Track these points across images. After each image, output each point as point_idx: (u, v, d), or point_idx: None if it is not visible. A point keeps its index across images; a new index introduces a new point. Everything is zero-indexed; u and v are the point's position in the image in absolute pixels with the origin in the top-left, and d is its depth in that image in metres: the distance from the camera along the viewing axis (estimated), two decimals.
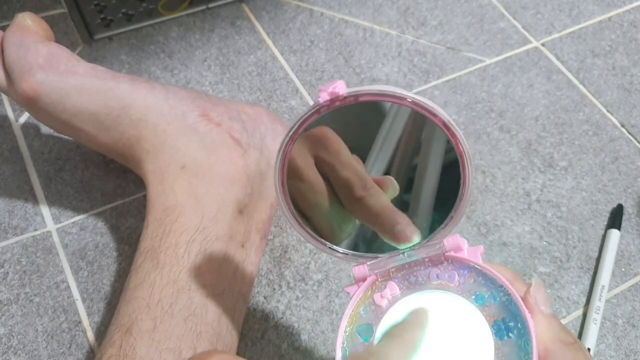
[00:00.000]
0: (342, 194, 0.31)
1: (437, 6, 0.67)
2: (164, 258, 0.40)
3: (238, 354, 0.43)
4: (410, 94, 0.28)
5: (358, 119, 0.30)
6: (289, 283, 0.47)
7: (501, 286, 0.29)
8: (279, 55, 0.62)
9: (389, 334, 0.28)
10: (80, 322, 0.45)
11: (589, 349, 0.44)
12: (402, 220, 0.31)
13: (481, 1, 0.68)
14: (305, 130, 0.29)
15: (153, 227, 0.42)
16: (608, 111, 0.59)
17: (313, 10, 0.66)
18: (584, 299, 0.47)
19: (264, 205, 0.46)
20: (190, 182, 0.43)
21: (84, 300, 0.46)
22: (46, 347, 0.44)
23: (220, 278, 0.40)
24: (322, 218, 0.31)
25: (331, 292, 0.47)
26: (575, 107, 0.59)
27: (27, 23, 0.45)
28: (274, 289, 0.47)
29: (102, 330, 0.44)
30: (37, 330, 0.44)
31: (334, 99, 0.28)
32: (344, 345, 0.29)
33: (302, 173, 0.30)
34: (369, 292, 0.31)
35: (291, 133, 0.29)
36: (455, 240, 0.30)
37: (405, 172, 0.31)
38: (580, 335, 0.46)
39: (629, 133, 0.57)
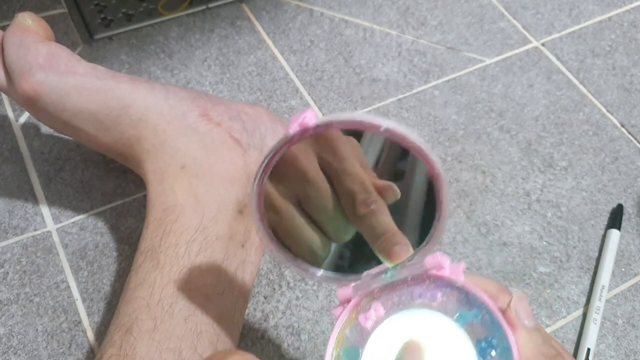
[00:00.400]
0: (345, 204, 0.31)
1: (437, 6, 0.67)
2: (164, 258, 0.40)
3: None
4: (381, 122, 0.27)
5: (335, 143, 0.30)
6: (289, 283, 0.47)
7: (482, 303, 0.29)
8: (279, 55, 0.62)
9: None
10: (80, 322, 0.45)
11: (589, 349, 0.45)
12: (402, 241, 0.31)
13: (481, 1, 0.68)
14: (278, 161, 0.29)
15: (153, 227, 0.42)
16: (608, 111, 0.59)
17: (313, 10, 0.66)
18: (584, 299, 0.47)
19: None
20: (190, 182, 0.43)
21: (84, 300, 0.46)
22: (46, 347, 0.44)
23: (220, 278, 0.40)
24: (301, 243, 0.31)
25: (331, 292, 0.47)
26: (575, 107, 0.59)
27: (27, 23, 0.45)
28: (274, 289, 0.47)
29: (102, 330, 0.44)
30: (37, 330, 0.44)
31: (304, 130, 0.27)
32: None
33: (278, 203, 0.30)
34: (354, 313, 0.30)
35: (264, 165, 0.29)
36: (436, 258, 0.30)
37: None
38: (580, 335, 0.46)
39: (629, 133, 0.57)
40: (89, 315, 0.45)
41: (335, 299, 0.46)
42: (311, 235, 0.31)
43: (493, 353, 0.28)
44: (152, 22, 0.63)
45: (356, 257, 0.32)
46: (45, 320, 0.45)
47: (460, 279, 0.30)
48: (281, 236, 0.31)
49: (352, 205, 0.30)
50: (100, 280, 0.47)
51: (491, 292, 0.29)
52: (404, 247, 0.31)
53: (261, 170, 0.29)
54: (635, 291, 0.48)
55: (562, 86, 0.61)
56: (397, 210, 0.31)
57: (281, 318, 0.45)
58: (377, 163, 0.31)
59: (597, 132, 0.57)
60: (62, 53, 0.44)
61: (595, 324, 0.45)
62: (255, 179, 0.29)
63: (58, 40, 0.47)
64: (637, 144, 0.57)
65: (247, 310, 0.45)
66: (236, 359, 0.24)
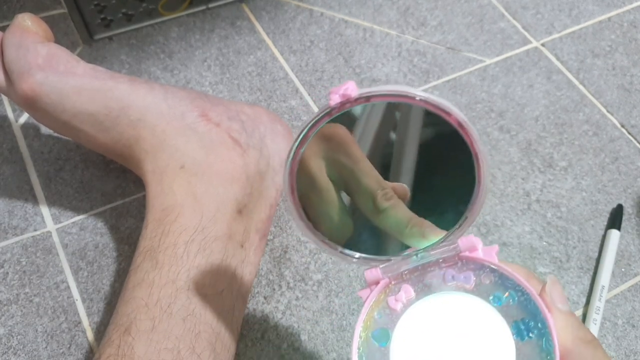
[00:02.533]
0: (363, 202, 0.31)
1: (437, 6, 0.67)
2: (163, 258, 0.40)
3: (238, 354, 0.43)
4: (423, 94, 0.27)
5: (369, 119, 0.30)
6: (289, 283, 0.47)
7: (518, 285, 0.29)
8: (278, 55, 0.62)
9: None
10: (80, 322, 0.45)
11: None
12: (429, 227, 0.31)
13: (481, 1, 0.67)
14: (315, 133, 0.28)
15: (152, 227, 0.42)
16: (608, 111, 0.59)
17: (313, 10, 0.66)
18: (583, 299, 0.47)
19: (264, 205, 0.46)
20: (189, 182, 0.43)
21: (83, 301, 0.46)
22: (46, 347, 0.44)
23: (219, 278, 0.41)
24: (331, 222, 0.31)
25: (331, 293, 0.47)
26: (575, 107, 0.59)
27: (27, 24, 0.45)
28: (274, 289, 0.47)
29: (102, 331, 0.44)
30: (36, 331, 0.44)
31: (345, 101, 0.27)
32: (360, 351, 0.29)
33: (313, 176, 0.30)
34: (382, 295, 0.30)
35: (301, 137, 0.28)
36: (470, 240, 0.30)
37: (420, 171, 0.31)
38: None
39: (629, 133, 0.57)
40: (88, 315, 0.45)
41: (335, 299, 0.46)
42: (339, 215, 0.31)
43: (531, 335, 0.27)
44: (152, 22, 0.63)
45: (384, 238, 0.32)
46: (45, 321, 0.45)
47: (495, 260, 0.29)
48: (309, 214, 0.30)
49: (372, 202, 0.31)
50: (100, 281, 0.47)
51: (522, 277, 0.29)
52: (433, 232, 0.31)
53: (296, 145, 0.28)
54: (635, 291, 0.48)
55: (562, 86, 0.60)
56: (431, 190, 0.31)
57: (281, 318, 0.45)
58: (413, 140, 0.30)
59: (597, 132, 0.57)
60: (62, 54, 0.45)
61: (595, 324, 0.45)
62: (289, 154, 0.29)
63: (58, 40, 0.47)
64: (637, 144, 0.57)
65: (247, 311, 0.45)
66: None
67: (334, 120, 0.28)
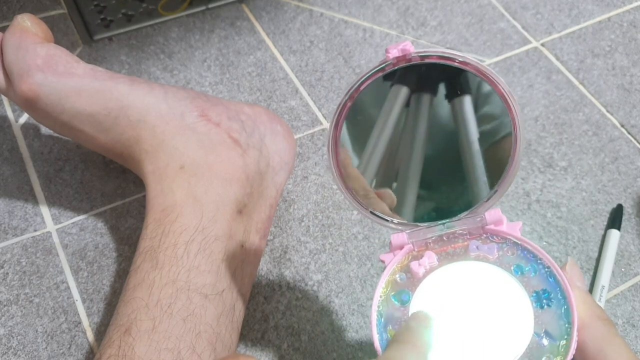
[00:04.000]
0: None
1: (436, 6, 0.67)
2: (163, 258, 0.40)
3: None
4: (472, 59, 0.28)
5: (404, 88, 0.30)
6: (289, 283, 0.47)
7: (540, 260, 0.30)
8: (278, 55, 0.62)
9: (396, 340, 0.28)
10: (80, 322, 0.45)
11: None
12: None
13: (481, 1, 0.68)
14: (364, 89, 0.29)
15: (152, 227, 0.42)
16: (608, 111, 0.59)
17: (313, 10, 0.66)
18: None
19: (264, 205, 0.46)
20: (189, 182, 0.43)
21: (83, 301, 0.46)
22: (46, 347, 0.44)
23: (219, 278, 0.41)
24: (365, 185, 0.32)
25: (331, 293, 0.47)
26: (575, 107, 0.59)
27: (27, 24, 0.45)
28: (274, 289, 0.47)
29: (102, 331, 0.44)
30: (37, 331, 0.44)
31: (402, 57, 0.28)
32: (379, 309, 0.30)
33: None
34: (405, 260, 0.31)
35: (351, 91, 0.29)
36: (497, 213, 0.31)
37: (455, 140, 0.32)
38: None
39: (629, 133, 0.57)
40: (88, 315, 0.45)
41: (335, 299, 0.47)
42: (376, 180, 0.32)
43: (550, 304, 0.29)
44: (151, 22, 0.63)
45: (414, 205, 0.33)
46: (45, 321, 0.45)
47: (519, 235, 0.31)
48: (345, 174, 0.31)
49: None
50: (100, 281, 0.47)
51: None
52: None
53: (345, 99, 0.29)
54: (635, 291, 0.48)
55: (562, 86, 0.60)
56: (462, 161, 0.32)
57: (281, 318, 0.45)
58: (448, 109, 0.31)
59: (597, 132, 0.57)
60: (61, 54, 0.45)
61: None
62: (338, 107, 0.29)
63: (58, 41, 0.47)
64: (637, 144, 0.57)
65: (247, 311, 0.45)
66: None
67: (386, 77, 0.28)
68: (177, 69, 0.60)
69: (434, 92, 0.31)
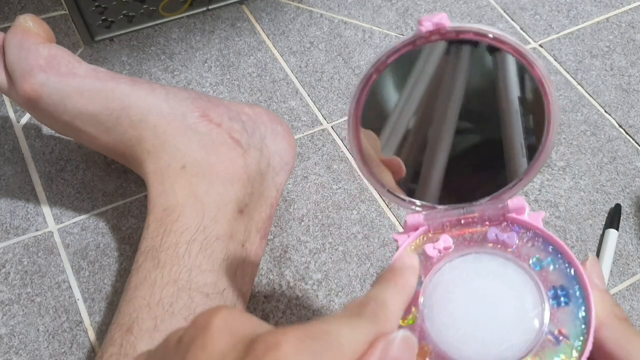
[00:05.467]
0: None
1: (435, 7, 0.67)
2: (165, 257, 0.40)
3: None
4: (511, 39, 0.26)
5: (431, 63, 0.28)
6: (289, 283, 0.47)
7: (560, 253, 0.29)
8: (278, 56, 0.62)
9: (379, 280, 0.27)
10: (81, 321, 0.45)
11: None
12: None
13: (480, 2, 0.68)
14: (393, 62, 0.27)
15: (154, 226, 0.42)
16: (606, 111, 0.59)
17: (313, 11, 0.66)
18: None
19: (264, 205, 0.46)
20: (190, 182, 0.43)
21: (85, 300, 0.46)
22: (47, 346, 0.44)
23: (220, 277, 0.41)
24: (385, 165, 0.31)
25: (331, 292, 0.47)
26: (573, 108, 0.59)
27: (28, 25, 0.45)
28: (274, 289, 0.47)
29: (104, 330, 0.45)
30: (38, 330, 0.45)
31: (436, 30, 0.26)
32: None
33: (378, 109, 0.29)
34: (419, 242, 0.30)
35: (378, 63, 0.27)
36: (520, 201, 0.29)
37: (485, 123, 0.30)
38: None
39: (627, 133, 0.58)
40: (90, 315, 0.45)
41: (335, 299, 0.47)
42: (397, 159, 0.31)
43: (567, 302, 0.27)
44: (152, 23, 0.64)
45: (433, 186, 0.31)
46: (47, 320, 0.45)
47: (540, 225, 0.29)
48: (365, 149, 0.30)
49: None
50: (101, 280, 0.47)
51: None
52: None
53: (372, 69, 0.27)
54: (633, 290, 0.48)
55: (560, 86, 0.61)
56: (490, 145, 0.30)
57: (281, 318, 0.46)
58: (487, 86, 0.29)
59: (595, 132, 0.58)
60: (63, 55, 0.45)
61: None
62: (363, 78, 0.27)
63: (59, 42, 0.47)
64: (635, 144, 0.57)
65: (247, 310, 0.45)
66: (223, 314, 0.24)
67: (414, 53, 0.26)
68: (178, 70, 0.60)
69: (465, 72, 0.29)
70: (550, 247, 0.29)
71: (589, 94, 0.60)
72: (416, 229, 0.30)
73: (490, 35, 0.26)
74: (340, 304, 0.46)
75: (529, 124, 0.29)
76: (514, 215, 0.30)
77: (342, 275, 0.48)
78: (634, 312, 0.47)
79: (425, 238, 0.30)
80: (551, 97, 0.27)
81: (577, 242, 0.51)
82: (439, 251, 0.29)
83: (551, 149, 0.29)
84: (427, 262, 0.29)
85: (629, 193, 0.54)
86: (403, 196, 0.31)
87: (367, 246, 0.49)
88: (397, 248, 0.30)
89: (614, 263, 0.49)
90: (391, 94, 0.29)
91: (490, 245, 0.29)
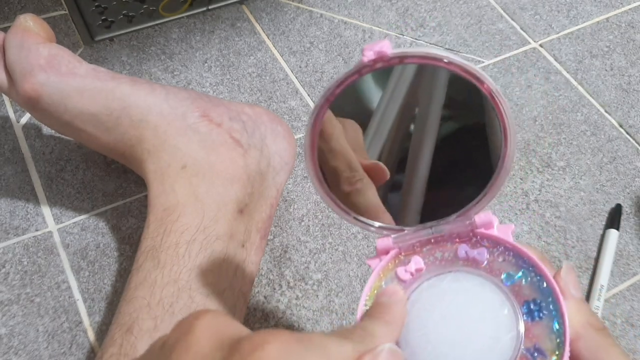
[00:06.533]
0: (331, 182, 0.30)
1: (435, 7, 0.67)
2: (165, 257, 0.40)
3: None
4: (458, 59, 0.26)
5: (387, 84, 0.29)
6: (289, 283, 0.47)
7: (532, 266, 0.28)
8: (278, 56, 0.62)
9: (368, 316, 0.27)
10: (81, 322, 0.45)
11: None
12: (386, 219, 0.31)
13: (480, 2, 0.68)
14: (341, 92, 0.27)
15: (154, 226, 0.42)
16: (606, 111, 0.59)
17: (313, 11, 0.66)
18: None
19: (264, 205, 0.46)
20: (190, 181, 0.43)
21: (84, 300, 0.46)
22: (47, 347, 0.44)
23: (220, 277, 0.41)
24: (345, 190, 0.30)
25: (331, 292, 0.47)
26: (573, 108, 0.59)
27: (29, 24, 0.45)
28: (274, 289, 0.47)
29: (103, 330, 0.45)
30: (38, 331, 0.44)
31: (379, 59, 0.26)
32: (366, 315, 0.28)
33: (331, 138, 0.29)
34: (392, 265, 0.30)
35: (327, 94, 0.27)
36: (487, 216, 0.29)
37: (442, 141, 0.30)
38: None
39: (627, 133, 0.58)
40: (89, 315, 0.45)
41: (335, 299, 0.47)
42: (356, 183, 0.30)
43: (541, 316, 0.27)
44: (152, 23, 0.64)
45: (399, 209, 0.31)
46: (46, 321, 0.45)
47: (510, 239, 0.29)
48: (327, 178, 0.30)
49: (337, 183, 0.30)
50: (101, 280, 0.47)
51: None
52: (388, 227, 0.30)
53: (322, 100, 0.27)
54: (634, 291, 0.48)
55: (560, 87, 0.61)
56: (450, 161, 0.30)
57: (281, 318, 0.46)
58: (435, 108, 0.29)
59: (595, 132, 0.58)
60: (63, 54, 0.45)
61: None
62: (314, 111, 0.27)
63: (59, 41, 0.47)
64: (635, 144, 0.57)
65: (247, 310, 0.45)
66: (207, 317, 0.24)
67: (362, 79, 0.26)
68: (178, 70, 0.60)
69: (417, 92, 0.29)
70: (521, 260, 0.29)
71: (589, 94, 0.60)
72: (387, 252, 0.30)
73: (435, 58, 0.26)
74: (340, 304, 0.46)
75: (488, 139, 0.29)
76: (482, 230, 0.29)
77: (342, 275, 0.48)
78: (635, 312, 0.47)
79: (397, 261, 0.30)
80: (504, 111, 0.27)
81: (577, 242, 0.51)
82: (411, 274, 0.29)
83: (512, 161, 0.29)
84: (400, 286, 0.29)
85: (629, 193, 0.54)
86: (369, 221, 0.31)
87: (367, 246, 0.49)
88: (372, 272, 0.30)
89: (614, 263, 0.49)
90: (357, 116, 0.29)
91: (462, 262, 0.29)
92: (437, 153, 0.30)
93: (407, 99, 0.29)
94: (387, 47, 0.26)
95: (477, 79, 0.27)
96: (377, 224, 0.31)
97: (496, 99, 0.27)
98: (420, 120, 0.30)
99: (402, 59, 0.26)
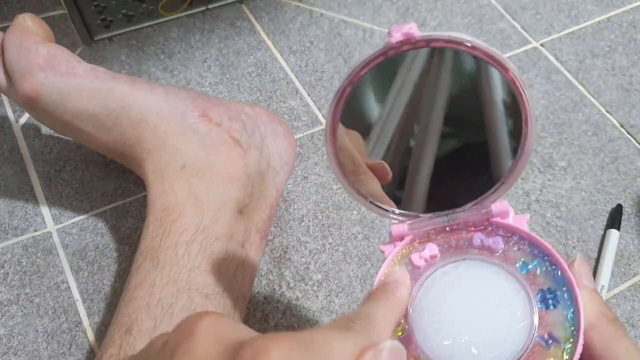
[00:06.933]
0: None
1: (436, 7, 0.67)
2: (164, 258, 0.40)
3: None
4: (482, 44, 0.26)
5: (413, 68, 0.28)
6: (289, 283, 0.47)
7: (547, 255, 0.28)
8: (278, 55, 0.62)
9: (371, 297, 0.27)
10: (80, 322, 0.45)
11: None
12: (388, 202, 0.31)
13: (481, 1, 0.68)
14: (367, 73, 0.27)
15: (153, 227, 0.42)
16: (607, 111, 0.59)
17: (313, 10, 0.66)
18: None
19: (264, 205, 0.46)
20: (190, 182, 0.43)
21: (84, 301, 0.46)
22: (46, 347, 0.44)
23: (220, 278, 0.41)
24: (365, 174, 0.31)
25: (331, 292, 0.47)
26: (574, 108, 0.59)
27: (28, 24, 0.45)
28: (274, 289, 0.47)
29: (103, 331, 0.44)
30: (37, 331, 0.44)
31: (406, 40, 0.26)
32: None
33: (354, 122, 0.29)
34: (406, 251, 0.30)
35: (351, 76, 0.27)
36: (504, 205, 0.29)
37: (462, 129, 0.30)
38: None
39: (628, 133, 0.58)
40: (89, 315, 0.45)
41: (335, 299, 0.47)
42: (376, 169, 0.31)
43: (556, 304, 0.27)
44: (152, 23, 0.63)
45: (416, 195, 0.31)
46: (46, 321, 0.45)
47: (525, 228, 0.29)
48: (345, 161, 0.30)
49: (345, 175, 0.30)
50: (100, 281, 0.47)
51: None
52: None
53: (346, 81, 0.27)
54: (634, 291, 0.48)
55: (562, 86, 0.61)
56: (469, 150, 0.30)
57: (281, 318, 0.45)
58: (464, 92, 0.29)
59: (597, 132, 0.57)
60: (62, 54, 0.45)
61: None
62: (337, 92, 0.27)
63: (58, 41, 0.47)
64: (636, 144, 0.57)
65: (247, 311, 0.45)
66: (209, 319, 0.23)
67: (386, 62, 0.26)
68: (178, 69, 0.60)
69: (439, 78, 0.29)
70: (536, 249, 0.29)
71: (590, 93, 0.60)
72: (401, 238, 0.30)
73: (461, 42, 0.27)
74: (340, 304, 0.46)
75: (508, 127, 0.29)
76: (498, 219, 0.30)
77: (343, 275, 0.48)
78: (635, 312, 0.47)
79: (411, 247, 0.30)
80: (526, 99, 0.27)
81: (578, 242, 0.50)
82: (425, 260, 0.29)
83: (531, 150, 0.29)
84: (414, 272, 0.29)
85: (630, 193, 0.53)
86: (386, 207, 0.31)
87: (368, 247, 0.49)
88: (386, 258, 0.30)
89: (615, 263, 0.49)
90: (373, 102, 0.29)
91: (476, 251, 0.29)
92: (455, 141, 0.30)
93: (423, 86, 0.29)
94: (415, 29, 0.26)
95: (502, 65, 0.27)
96: (396, 210, 0.30)
97: (520, 86, 0.27)
98: (438, 107, 0.30)
99: (429, 41, 0.26)
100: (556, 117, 0.58)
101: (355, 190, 0.30)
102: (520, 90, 0.27)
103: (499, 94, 0.28)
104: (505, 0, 0.68)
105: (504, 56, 0.27)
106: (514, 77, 0.27)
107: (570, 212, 0.52)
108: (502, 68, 0.27)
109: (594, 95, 0.60)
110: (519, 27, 0.66)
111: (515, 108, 0.28)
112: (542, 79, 0.61)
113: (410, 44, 0.26)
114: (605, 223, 0.52)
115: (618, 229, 0.50)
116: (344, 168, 0.30)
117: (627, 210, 0.52)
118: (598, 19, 0.67)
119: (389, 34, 0.26)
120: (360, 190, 0.30)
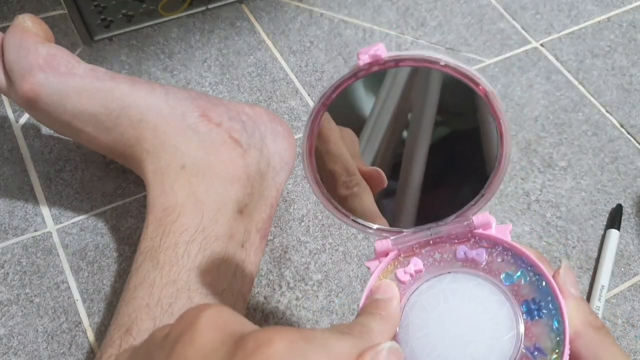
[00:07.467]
0: (328, 185, 0.30)
1: (436, 7, 0.67)
2: (164, 258, 0.40)
3: None
4: (453, 61, 0.27)
5: (382, 87, 0.29)
6: (289, 283, 0.47)
7: (531, 266, 0.28)
8: (278, 55, 0.62)
9: (363, 312, 0.27)
10: (80, 322, 0.45)
11: None
12: (382, 224, 0.31)
13: (481, 1, 0.68)
14: (338, 96, 0.27)
15: (153, 227, 0.42)
16: (607, 111, 0.59)
17: (313, 11, 0.66)
18: None
19: (264, 205, 0.46)
20: (190, 182, 0.43)
21: (84, 301, 0.46)
22: (46, 347, 0.44)
23: (219, 278, 0.41)
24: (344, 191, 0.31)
25: (331, 293, 0.47)
26: (574, 108, 0.59)
27: (27, 24, 0.45)
28: (274, 289, 0.47)
29: (103, 331, 0.44)
30: (37, 331, 0.44)
31: (374, 62, 0.26)
32: None
33: (329, 141, 0.29)
34: (391, 267, 0.30)
35: (323, 98, 0.27)
36: (485, 217, 0.30)
37: (439, 143, 0.30)
38: None
39: (628, 133, 0.58)
40: (89, 315, 0.45)
41: (335, 299, 0.47)
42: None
43: (541, 315, 0.27)
44: (152, 23, 0.63)
45: (398, 211, 0.31)
46: (46, 321, 0.45)
47: (508, 239, 0.29)
48: (325, 182, 0.30)
49: (334, 187, 0.30)
50: (100, 281, 0.47)
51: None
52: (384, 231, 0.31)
53: (318, 106, 0.27)
54: (634, 291, 0.48)
55: (562, 86, 0.61)
56: (447, 162, 0.31)
57: (281, 318, 0.45)
58: (431, 110, 0.30)
59: (597, 132, 0.57)
60: (62, 54, 0.45)
61: None
62: (311, 114, 0.28)
63: (58, 41, 0.47)
64: (636, 144, 0.57)
65: (247, 311, 0.45)
66: (211, 310, 0.23)
67: (363, 81, 0.27)
68: (178, 69, 0.60)
69: (413, 94, 0.29)
70: (520, 260, 0.29)
71: (590, 93, 0.60)
72: (386, 254, 0.30)
73: (430, 61, 0.27)
74: (340, 304, 0.46)
75: (485, 140, 0.29)
76: (480, 231, 0.30)
77: (343, 275, 0.48)
78: (635, 312, 0.47)
79: (396, 262, 0.30)
80: (499, 113, 0.28)
81: (578, 242, 0.50)
82: (411, 275, 0.29)
83: (508, 161, 0.29)
84: (400, 287, 0.29)
85: (630, 193, 0.53)
86: (368, 224, 0.31)
87: (368, 247, 0.49)
88: (371, 274, 0.30)
89: (615, 264, 0.49)
90: (352, 120, 0.30)
91: (460, 264, 0.29)
92: (434, 155, 0.30)
93: (401, 102, 0.30)
94: (382, 51, 0.26)
95: (472, 80, 0.27)
96: (375, 225, 0.31)
97: (491, 100, 0.27)
98: (415, 123, 0.30)
99: (397, 62, 0.27)
100: (556, 117, 0.58)
101: (337, 210, 0.30)
102: (493, 103, 0.27)
103: (473, 108, 0.28)
104: (505, 0, 0.68)
105: (475, 71, 0.27)
106: (486, 92, 0.27)
107: (570, 212, 0.52)
108: (474, 83, 0.27)
109: (594, 95, 0.60)
110: (519, 27, 0.66)
111: (490, 121, 0.28)
112: (542, 79, 0.61)
113: (379, 65, 0.27)
114: (605, 223, 0.52)
115: (618, 229, 0.50)
116: (323, 187, 0.30)
117: (627, 210, 0.52)
118: (598, 19, 0.67)
119: (358, 55, 0.26)
120: (344, 206, 0.30)
